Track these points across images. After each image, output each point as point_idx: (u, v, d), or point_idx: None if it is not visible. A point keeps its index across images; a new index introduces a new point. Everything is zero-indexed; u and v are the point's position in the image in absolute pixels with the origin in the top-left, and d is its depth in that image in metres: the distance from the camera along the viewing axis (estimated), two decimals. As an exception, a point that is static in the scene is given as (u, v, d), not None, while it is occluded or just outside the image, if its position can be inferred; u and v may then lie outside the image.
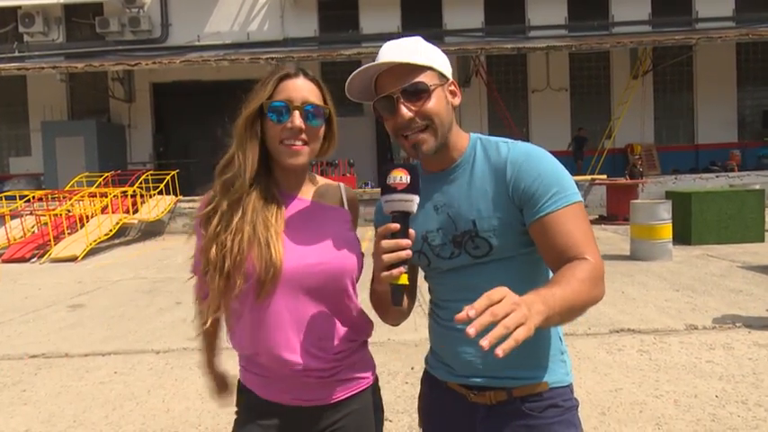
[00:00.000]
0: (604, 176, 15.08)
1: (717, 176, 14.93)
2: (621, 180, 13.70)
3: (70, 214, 12.46)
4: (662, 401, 3.46)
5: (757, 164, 16.87)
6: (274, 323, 1.27)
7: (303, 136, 1.28)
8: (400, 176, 1.07)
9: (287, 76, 1.30)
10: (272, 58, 15.04)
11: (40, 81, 17.69)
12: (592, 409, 3.36)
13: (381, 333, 4.96)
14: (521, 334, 0.86)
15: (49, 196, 13.51)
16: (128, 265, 9.88)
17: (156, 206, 14.03)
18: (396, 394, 3.71)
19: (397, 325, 1.40)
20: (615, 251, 8.96)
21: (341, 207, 1.42)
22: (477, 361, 1.26)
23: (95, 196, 13.15)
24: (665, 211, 8.42)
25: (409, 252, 1.06)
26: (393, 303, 1.11)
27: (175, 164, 16.95)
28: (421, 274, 1.42)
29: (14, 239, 11.95)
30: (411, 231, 1.08)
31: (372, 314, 1.40)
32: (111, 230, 12.16)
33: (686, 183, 14.59)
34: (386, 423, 3.28)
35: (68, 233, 11.88)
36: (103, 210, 12.89)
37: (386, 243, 1.05)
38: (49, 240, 11.35)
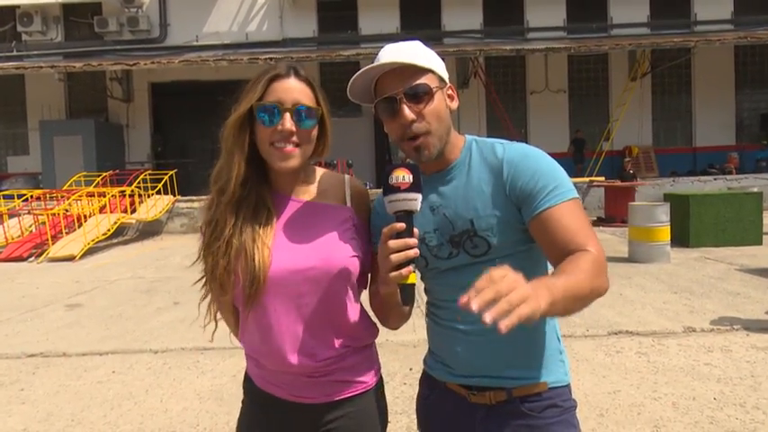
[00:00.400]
0: (602, 178, 15.11)
1: (715, 179, 14.95)
2: (619, 182, 13.73)
3: (68, 213, 12.43)
4: (660, 404, 3.46)
5: (755, 167, 16.90)
6: (267, 326, 1.28)
7: (294, 138, 1.25)
8: (403, 176, 1.07)
9: (277, 77, 1.27)
10: (271, 59, 15.03)
11: (39, 80, 17.67)
12: (590, 410, 3.36)
13: (380, 334, 4.97)
14: (524, 311, 0.83)
15: (47, 195, 13.50)
16: (126, 264, 9.87)
17: (154, 206, 14.02)
18: (394, 395, 3.71)
19: (397, 328, 1.40)
20: (613, 253, 8.97)
21: (341, 205, 1.36)
22: (476, 361, 1.26)
23: (93, 196, 13.14)
24: (663, 213, 8.44)
25: (417, 251, 1.06)
26: (404, 303, 1.12)
27: (173, 164, 16.93)
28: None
29: (12, 238, 11.92)
30: (415, 230, 1.08)
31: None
32: (108, 230, 12.15)
33: (684, 185, 14.62)
34: (384, 424, 3.28)
35: (66, 232, 11.86)
36: (101, 209, 12.87)
37: (393, 243, 1.05)
38: (47, 240, 11.33)
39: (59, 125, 17.68)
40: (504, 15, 18.14)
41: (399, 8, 18.12)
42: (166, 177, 14.82)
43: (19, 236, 12.12)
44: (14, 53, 18.08)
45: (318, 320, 1.28)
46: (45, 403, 3.81)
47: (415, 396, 1.50)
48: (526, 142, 1.34)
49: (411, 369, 4.16)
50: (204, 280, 1.32)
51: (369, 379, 1.38)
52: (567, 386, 1.30)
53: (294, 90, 1.27)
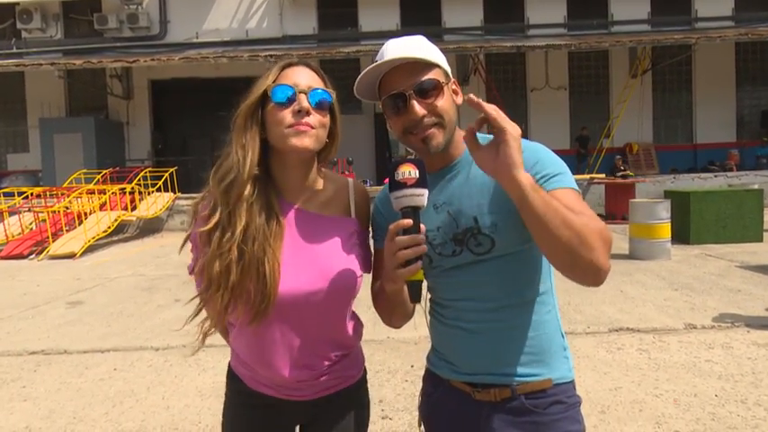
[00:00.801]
0: (603, 175, 15.10)
1: (715, 176, 14.95)
2: (619, 179, 13.73)
3: (68, 211, 12.43)
4: (661, 400, 3.46)
5: (755, 164, 16.89)
6: (266, 341, 1.28)
7: (310, 119, 1.23)
8: (409, 171, 1.06)
9: (289, 65, 1.28)
10: (271, 56, 15.02)
11: (38, 77, 17.64)
12: (592, 407, 3.37)
13: (381, 331, 4.96)
14: (504, 121, 1.06)
15: (47, 193, 13.49)
16: (126, 262, 9.87)
17: (155, 203, 14.02)
18: (396, 392, 3.71)
19: (400, 327, 1.39)
20: (614, 250, 8.89)
21: (346, 217, 1.35)
22: (480, 359, 1.26)
23: (93, 193, 13.13)
24: (663, 210, 8.44)
25: (425, 247, 1.05)
26: (412, 300, 1.11)
27: (174, 161, 16.92)
28: None
29: (12, 236, 11.91)
30: (422, 226, 1.08)
31: (371, 315, 1.41)
32: (109, 227, 12.14)
33: (685, 182, 14.61)
34: (386, 421, 3.29)
35: (66, 230, 11.86)
36: (102, 207, 12.87)
37: (401, 240, 1.04)
38: (48, 237, 11.33)
39: (59, 122, 17.65)
40: (505, 12, 18.11)
41: (399, 5, 18.09)
42: (167, 175, 14.82)
43: (19, 233, 12.11)
44: (14, 50, 18.05)
45: (317, 337, 1.30)
46: (47, 401, 3.82)
47: (417, 393, 1.50)
48: (526, 139, 1.33)
49: (412, 366, 4.17)
50: (207, 289, 1.23)
51: (356, 373, 1.42)
52: (572, 382, 1.30)
53: (307, 75, 1.27)
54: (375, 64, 1.21)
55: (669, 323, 5.03)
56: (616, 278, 6.94)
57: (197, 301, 1.28)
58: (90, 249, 11.14)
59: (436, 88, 1.21)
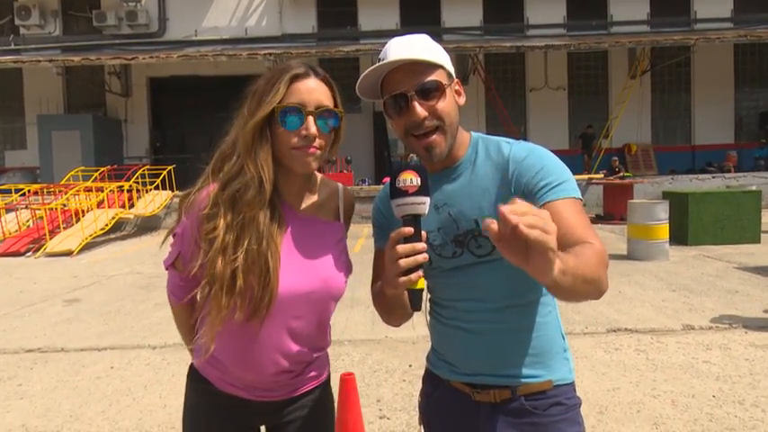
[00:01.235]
0: (600, 175, 15.12)
1: (713, 177, 14.98)
2: (617, 180, 13.74)
3: (66, 208, 12.40)
4: (659, 401, 3.46)
5: (754, 165, 16.93)
6: (256, 340, 1.27)
7: (317, 142, 1.23)
8: (410, 179, 1.05)
9: (298, 77, 1.23)
10: (270, 54, 15.01)
11: (37, 74, 17.60)
12: (590, 408, 3.36)
13: (379, 331, 4.96)
14: (547, 237, 0.85)
15: (45, 190, 13.45)
16: (124, 260, 9.85)
17: (153, 201, 13.99)
18: (393, 392, 3.70)
19: (398, 326, 1.39)
20: (612, 251, 8.97)
21: (336, 221, 1.38)
22: (480, 360, 1.26)
23: (91, 191, 13.10)
24: (662, 211, 8.44)
25: (426, 255, 1.04)
26: (412, 308, 1.10)
27: (172, 159, 16.89)
28: None
29: (9, 233, 11.89)
30: (423, 233, 1.07)
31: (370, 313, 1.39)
32: (106, 225, 12.12)
33: (683, 183, 14.63)
34: (384, 421, 3.28)
35: (64, 227, 11.83)
36: (99, 204, 12.85)
37: (402, 248, 1.03)
38: (45, 234, 11.30)
39: (57, 120, 17.62)
40: (504, 12, 18.12)
41: (399, 4, 18.09)
42: (165, 172, 14.80)
43: (16, 230, 12.09)
44: (12, 47, 18.02)
45: (305, 336, 1.32)
46: (43, 399, 3.80)
47: (414, 393, 1.49)
48: (525, 140, 1.32)
49: (410, 366, 4.16)
50: (210, 291, 1.21)
51: (325, 373, 1.44)
52: (572, 384, 1.29)
53: (315, 91, 1.24)
54: (377, 65, 1.20)
55: (667, 324, 5.03)
56: (614, 279, 6.94)
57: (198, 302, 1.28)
58: (87, 247, 11.11)
59: (438, 90, 1.20)
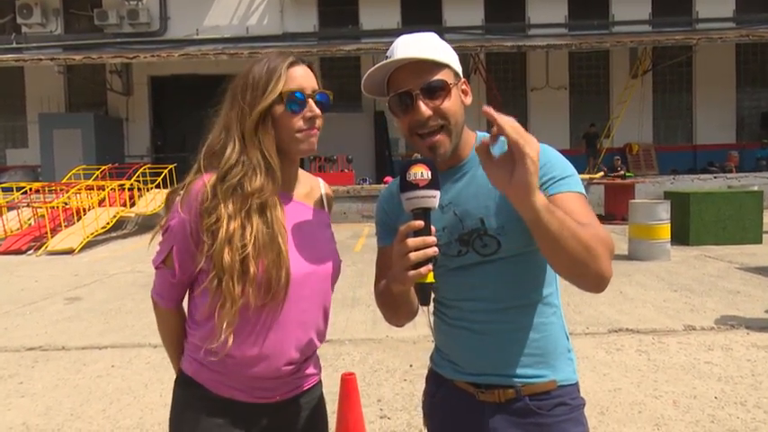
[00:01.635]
0: (600, 175, 15.12)
1: (715, 177, 14.96)
2: (619, 179, 13.74)
3: (67, 207, 12.41)
4: (661, 402, 3.46)
5: (755, 165, 16.90)
6: (272, 327, 1.26)
7: (317, 122, 1.29)
8: (421, 172, 1.05)
9: (292, 64, 1.28)
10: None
11: (38, 73, 17.61)
12: (591, 408, 3.36)
13: (380, 330, 4.96)
14: (525, 143, 0.97)
15: (46, 188, 13.45)
16: (125, 258, 9.85)
17: (154, 200, 13.99)
18: (394, 391, 3.70)
19: (402, 326, 1.38)
20: (613, 251, 8.96)
21: (323, 209, 1.43)
22: (485, 359, 1.25)
23: (92, 189, 13.11)
24: (663, 211, 8.43)
25: (436, 249, 1.04)
26: (421, 303, 1.10)
27: (173, 157, 16.88)
28: None
29: (11, 231, 11.90)
30: (433, 228, 1.07)
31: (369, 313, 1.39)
32: (107, 223, 12.12)
33: (684, 183, 14.62)
34: (384, 420, 3.28)
35: (65, 226, 11.83)
36: (100, 203, 12.85)
37: (412, 241, 1.03)
38: (46, 233, 11.31)
39: (59, 118, 17.64)
40: (506, 11, 18.11)
41: (400, 3, 18.08)
42: (166, 171, 14.79)
43: (18, 229, 12.10)
44: (14, 45, 18.02)
45: (313, 321, 1.32)
46: (44, 397, 3.80)
47: (415, 393, 1.49)
48: None
49: (411, 365, 4.15)
50: (218, 282, 1.19)
51: (318, 371, 1.43)
52: (576, 384, 1.29)
53: (309, 75, 1.30)
54: (384, 62, 1.20)
55: (668, 324, 5.03)
56: (615, 279, 6.89)
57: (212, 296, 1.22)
58: (88, 245, 11.12)
59: (444, 89, 1.19)
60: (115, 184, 13.36)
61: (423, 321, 1.41)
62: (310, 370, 1.39)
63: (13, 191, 13.10)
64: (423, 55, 1.18)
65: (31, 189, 13.22)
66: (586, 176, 14.85)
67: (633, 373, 3.95)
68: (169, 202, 1.30)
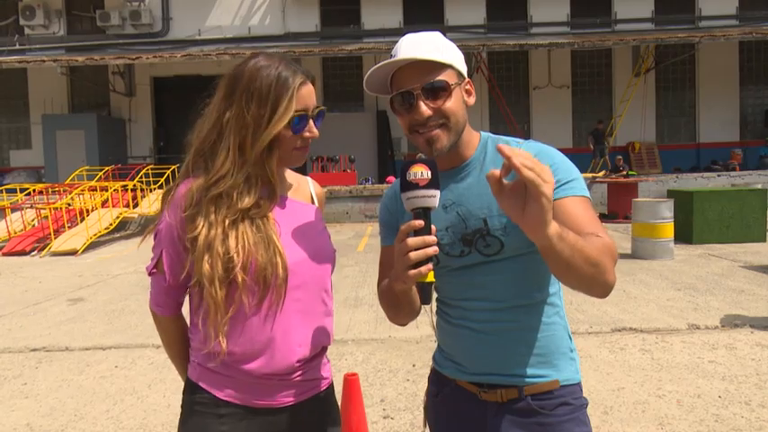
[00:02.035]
0: (602, 174, 15.10)
1: (718, 175, 14.91)
2: (621, 178, 13.71)
3: (70, 208, 12.44)
4: (665, 401, 3.45)
5: (759, 163, 16.84)
6: (269, 322, 1.24)
7: (310, 140, 1.32)
8: (421, 172, 1.05)
9: (302, 84, 1.27)
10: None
11: (41, 74, 17.66)
12: (594, 408, 3.35)
13: (382, 330, 4.96)
14: (541, 182, 0.91)
15: (50, 189, 13.50)
16: (128, 259, 9.87)
17: (157, 200, 13.99)
18: (397, 391, 3.69)
19: (405, 324, 1.38)
20: (616, 249, 8.94)
21: (312, 203, 1.43)
22: (487, 359, 1.25)
23: (96, 190, 13.14)
24: (667, 209, 8.41)
25: (436, 248, 1.04)
26: (422, 302, 1.10)
27: (176, 158, 16.92)
28: None
29: (15, 232, 11.93)
30: (433, 227, 1.07)
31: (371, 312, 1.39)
32: (111, 224, 12.15)
33: (688, 181, 14.58)
34: (387, 420, 3.28)
35: (68, 227, 11.86)
36: (104, 204, 12.88)
37: (412, 241, 1.03)
38: (50, 234, 11.34)
39: (62, 119, 17.68)
40: (508, 10, 18.09)
41: (402, 3, 18.07)
42: (169, 172, 14.82)
43: (21, 230, 12.13)
44: (17, 47, 18.08)
45: (308, 316, 1.29)
46: (48, 398, 3.81)
47: (418, 393, 1.49)
48: (529, 138, 1.32)
49: (414, 365, 4.15)
50: (200, 288, 1.20)
51: (328, 375, 1.40)
52: (578, 384, 1.29)
53: (312, 94, 1.31)
54: (386, 61, 1.20)
55: (672, 323, 5.01)
56: (619, 278, 6.88)
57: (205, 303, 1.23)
58: (92, 246, 11.14)
59: (445, 90, 1.19)
60: (118, 184, 13.39)
61: (425, 321, 1.41)
62: (318, 373, 1.35)
63: (16, 192, 13.14)
64: (425, 56, 1.18)
65: (34, 190, 13.27)
66: (589, 175, 14.83)
67: (637, 372, 3.94)
68: (163, 203, 1.29)
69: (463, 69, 1.25)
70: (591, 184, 14.40)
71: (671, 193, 10.66)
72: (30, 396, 3.85)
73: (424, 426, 1.43)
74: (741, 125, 18.58)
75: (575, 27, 17.94)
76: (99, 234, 11.63)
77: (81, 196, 12.83)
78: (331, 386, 1.42)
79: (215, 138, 1.26)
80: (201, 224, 1.20)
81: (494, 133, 1.34)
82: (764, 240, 9.36)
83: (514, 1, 18.12)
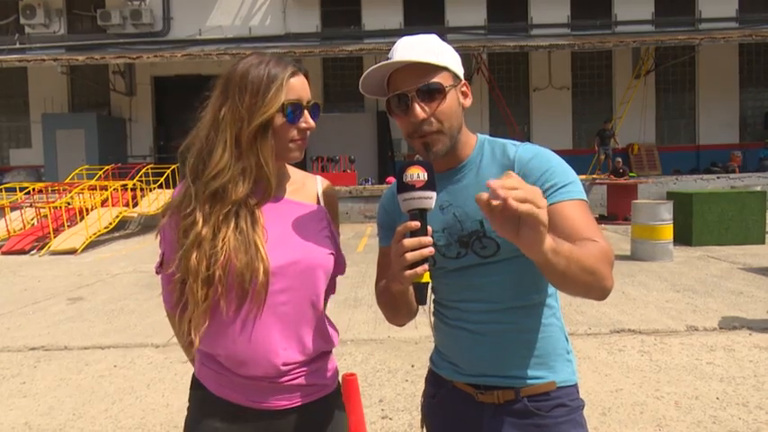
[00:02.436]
0: (601, 175, 15.09)
1: (718, 177, 14.91)
2: (621, 179, 13.71)
3: (70, 207, 12.44)
4: (663, 403, 3.45)
5: (758, 165, 16.84)
6: (249, 326, 1.24)
7: (307, 132, 1.31)
8: (417, 174, 1.06)
9: (293, 74, 1.28)
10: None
11: (41, 73, 17.65)
12: (592, 409, 3.36)
13: (381, 330, 4.96)
14: (538, 212, 0.88)
15: (49, 188, 13.49)
16: (127, 258, 9.87)
17: (156, 200, 14.01)
18: (396, 392, 3.70)
19: (402, 325, 1.39)
20: (616, 251, 8.82)
21: (316, 204, 1.39)
22: (484, 361, 1.25)
23: (95, 189, 13.13)
24: (666, 211, 8.42)
25: (432, 249, 1.04)
26: (418, 303, 1.10)
27: (175, 158, 16.90)
28: None
29: (14, 231, 11.93)
30: (429, 228, 1.07)
31: (369, 314, 1.39)
32: (110, 224, 12.14)
33: (687, 183, 14.58)
34: (386, 421, 3.28)
35: (68, 226, 11.86)
36: (103, 203, 12.88)
37: (408, 242, 1.03)
38: (49, 233, 11.33)
39: (62, 118, 17.67)
40: (508, 12, 18.09)
41: (403, 3, 18.07)
42: (168, 171, 14.82)
43: (21, 229, 12.13)
44: (17, 46, 18.06)
45: (293, 320, 1.27)
46: (46, 397, 3.81)
47: (416, 393, 1.49)
48: (529, 140, 1.32)
49: (413, 366, 4.16)
50: (184, 287, 1.22)
51: (330, 382, 1.36)
52: (575, 385, 1.29)
53: (306, 86, 1.31)
54: (380, 64, 1.21)
55: (671, 325, 5.02)
56: (618, 279, 6.89)
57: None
58: (91, 245, 11.14)
59: (440, 92, 1.20)
60: (118, 184, 13.38)
61: (424, 322, 1.41)
62: (318, 379, 1.31)
63: (16, 191, 13.13)
64: (421, 58, 1.19)
65: (34, 189, 13.26)
66: (588, 177, 14.82)
67: (635, 373, 3.94)
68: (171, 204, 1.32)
69: (459, 71, 1.26)
70: (591, 185, 14.41)
71: (670, 195, 10.67)
72: (28, 395, 3.85)
73: (421, 427, 1.43)
74: (741, 127, 18.57)
75: (575, 29, 17.94)
76: (98, 233, 11.63)
77: (80, 195, 12.82)
78: (335, 392, 1.38)
79: (212, 135, 1.27)
80: (195, 220, 1.22)
81: (494, 134, 1.35)
82: (763, 242, 9.37)
83: (515, 2, 18.13)
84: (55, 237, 11.18)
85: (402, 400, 3.57)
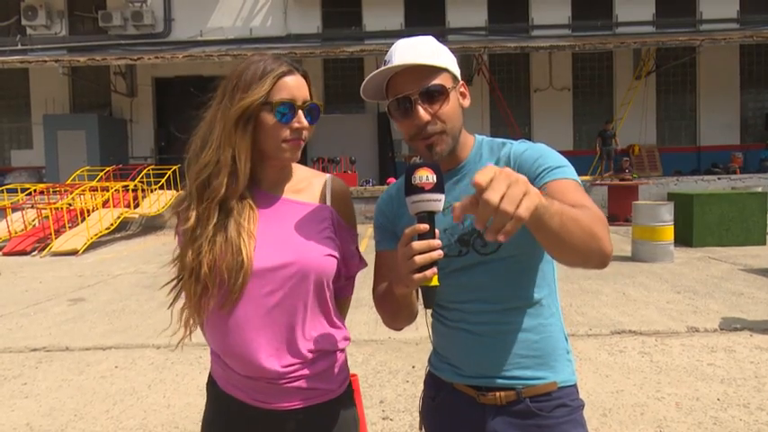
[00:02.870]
0: (607, 174, 15.09)
1: (719, 179, 14.90)
2: (624, 180, 13.72)
3: (71, 208, 12.45)
4: (663, 404, 3.45)
5: (759, 167, 16.84)
6: (235, 326, 1.24)
7: (303, 134, 1.28)
8: (426, 176, 1.05)
9: (285, 73, 1.27)
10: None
11: (43, 74, 17.68)
12: (593, 410, 3.36)
13: (382, 331, 4.96)
14: (522, 214, 0.84)
15: (51, 189, 13.51)
16: (128, 259, 9.88)
17: (157, 201, 14.03)
18: (396, 393, 3.71)
19: (400, 329, 1.38)
20: (616, 252, 8.94)
21: (321, 203, 1.36)
22: (485, 362, 1.26)
23: (96, 190, 13.15)
24: (667, 212, 8.42)
25: (441, 252, 1.04)
26: (426, 306, 1.10)
27: (177, 159, 16.93)
28: None
29: (15, 232, 11.95)
30: (437, 231, 1.07)
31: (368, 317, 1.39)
32: (111, 225, 12.16)
33: (688, 184, 14.58)
34: (387, 422, 3.29)
35: (69, 227, 11.88)
36: (104, 204, 12.89)
37: (417, 245, 1.03)
38: (50, 234, 11.35)
39: (63, 119, 17.70)
40: (509, 13, 18.09)
41: (404, 4, 18.08)
42: (170, 172, 14.83)
43: (22, 230, 12.14)
44: (19, 47, 18.09)
45: (286, 323, 1.26)
46: (48, 398, 3.82)
47: (418, 394, 1.49)
48: (529, 140, 1.33)
49: (413, 367, 4.16)
50: (180, 282, 1.28)
51: (337, 387, 1.34)
52: (575, 385, 1.30)
53: (302, 86, 1.29)
54: (382, 68, 1.21)
55: (672, 326, 5.02)
56: (618, 280, 6.93)
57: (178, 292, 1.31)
58: (92, 246, 11.15)
59: (442, 93, 1.21)
60: (119, 185, 13.39)
61: (425, 323, 1.41)
62: (317, 383, 1.29)
63: (17, 192, 13.15)
64: (420, 60, 1.19)
65: (35, 190, 13.28)
66: (589, 177, 14.82)
67: (636, 374, 3.94)
68: (174, 208, 1.36)
69: (457, 72, 1.26)
70: (592, 186, 14.41)
71: (671, 196, 10.67)
72: (30, 396, 3.86)
73: (420, 429, 1.43)
74: (742, 128, 18.57)
75: (576, 30, 17.95)
76: (100, 234, 11.64)
77: (82, 196, 12.84)
78: (343, 397, 1.35)
79: (208, 132, 1.29)
80: (188, 216, 1.25)
81: (494, 135, 1.35)
82: (764, 243, 9.37)
83: (516, 3, 18.14)
84: (56, 238, 11.19)
85: (403, 401, 3.57)
